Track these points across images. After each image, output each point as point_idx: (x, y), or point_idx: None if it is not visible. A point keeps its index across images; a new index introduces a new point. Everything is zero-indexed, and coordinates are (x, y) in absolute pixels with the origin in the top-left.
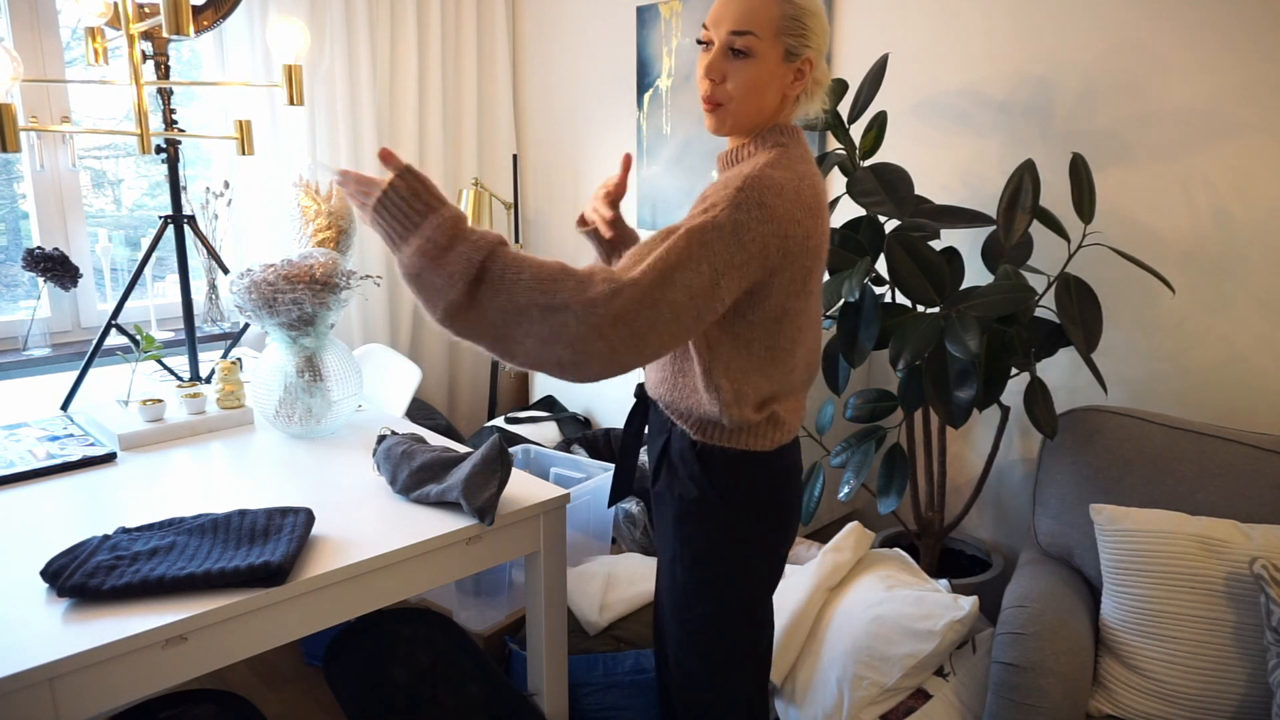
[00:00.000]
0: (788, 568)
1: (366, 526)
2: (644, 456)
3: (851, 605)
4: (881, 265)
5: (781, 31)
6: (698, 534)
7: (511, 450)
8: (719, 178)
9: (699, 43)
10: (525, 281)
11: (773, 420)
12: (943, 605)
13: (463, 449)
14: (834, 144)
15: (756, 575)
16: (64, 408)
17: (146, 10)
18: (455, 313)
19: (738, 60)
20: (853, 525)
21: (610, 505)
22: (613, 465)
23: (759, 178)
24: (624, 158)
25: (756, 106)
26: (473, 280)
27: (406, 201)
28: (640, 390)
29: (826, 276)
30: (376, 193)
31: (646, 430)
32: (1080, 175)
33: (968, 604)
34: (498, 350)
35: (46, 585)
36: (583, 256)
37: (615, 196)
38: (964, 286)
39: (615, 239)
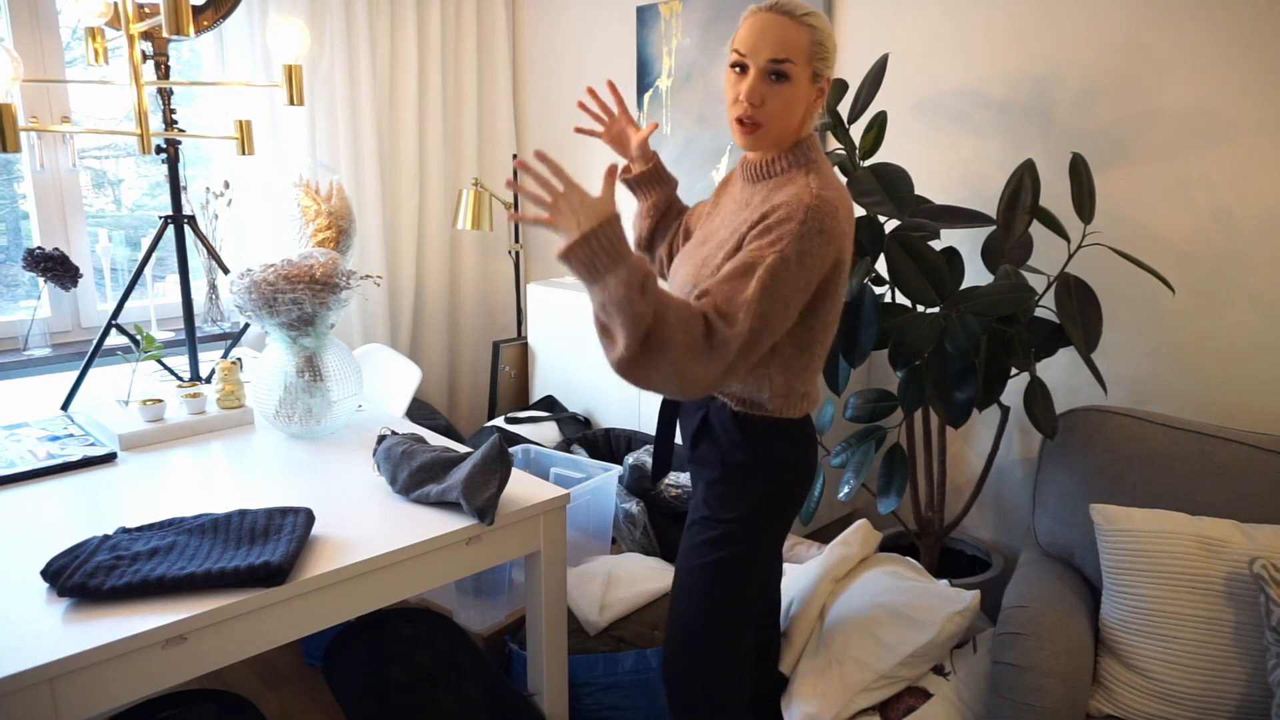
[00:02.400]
0: (793, 566)
1: (366, 526)
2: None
3: (854, 595)
4: (881, 265)
5: (812, 56)
6: (736, 491)
7: (511, 450)
8: (750, 189)
9: (732, 66)
10: (672, 322)
11: (804, 394)
12: (944, 597)
13: (463, 449)
14: (834, 144)
15: (775, 528)
16: (64, 408)
17: (146, 10)
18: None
19: (776, 84)
20: (861, 522)
21: (654, 481)
22: (614, 466)
23: (819, 206)
24: (608, 83)
25: (789, 125)
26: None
27: (611, 245)
28: None
29: None
30: (566, 209)
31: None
32: (1080, 175)
33: (969, 597)
34: (646, 377)
35: (46, 585)
36: None
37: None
38: (964, 286)
39: (653, 167)
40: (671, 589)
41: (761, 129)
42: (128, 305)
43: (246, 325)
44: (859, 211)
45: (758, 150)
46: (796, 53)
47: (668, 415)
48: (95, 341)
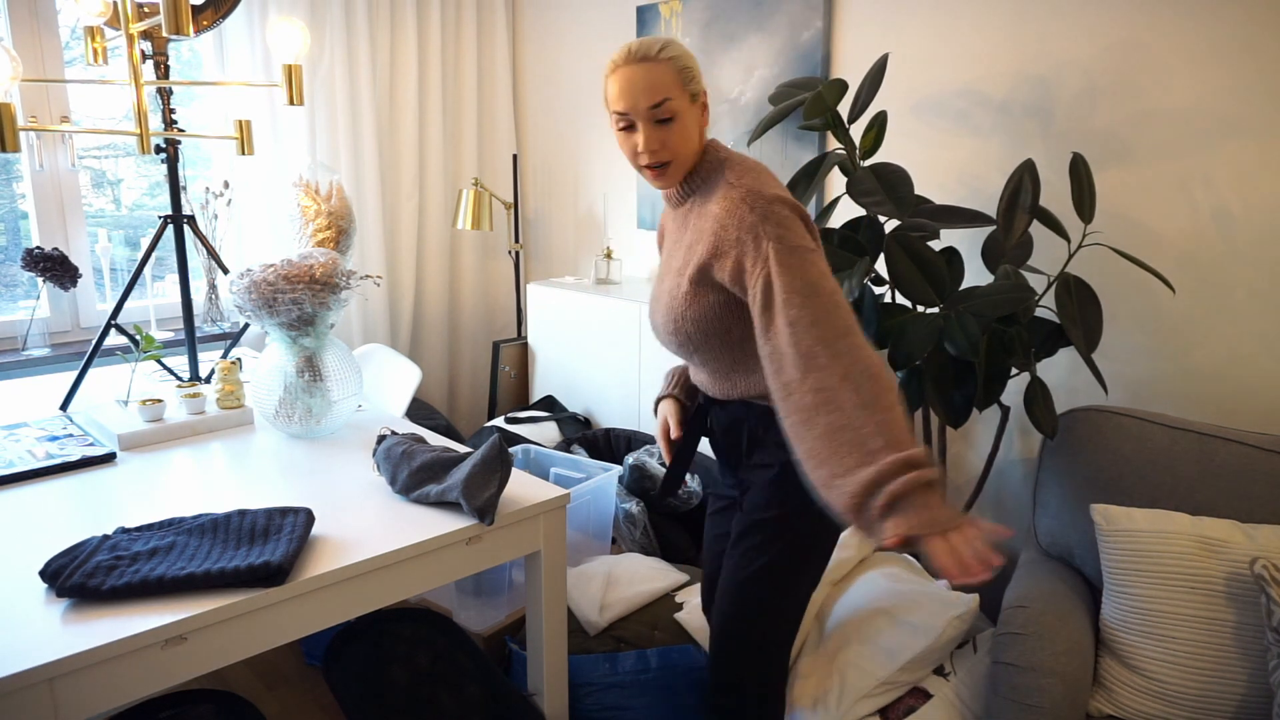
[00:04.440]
0: None
1: (366, 526)
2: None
3: (853, 599)
4: (881, 265)
5: (684, 84)
6: (796, 487)
7: (511, 450)
8: (682, 213)
9: (621, 130)
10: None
11: None
12: (944, 601)
13: (463, 449)
14: (834, 144)
15: (826, 525)
16: (63, 408)
17: (146, 10)
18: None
19: (666, 125)
20: None
21: (661, 499)
22: (614, 466)
23: (748, 195)
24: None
25: (692, 151)
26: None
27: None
28: (705, 397)
29: None
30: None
31: (708, 427)
32: (1080, 175)
33: (969, 601)
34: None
35: (46, 585)
36: (584, 259)
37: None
38: (964, 286)
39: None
40: (722, 599)
41: (673, 164)
42: (127, 305)
43: (246, 325)
44: (857, 211)
45: (673, 185)
46: (671, 88)
47: (695, 431)
48: (94, 341)
